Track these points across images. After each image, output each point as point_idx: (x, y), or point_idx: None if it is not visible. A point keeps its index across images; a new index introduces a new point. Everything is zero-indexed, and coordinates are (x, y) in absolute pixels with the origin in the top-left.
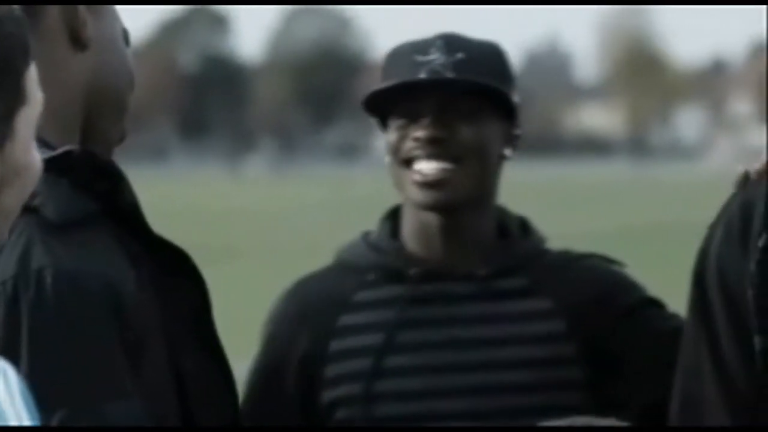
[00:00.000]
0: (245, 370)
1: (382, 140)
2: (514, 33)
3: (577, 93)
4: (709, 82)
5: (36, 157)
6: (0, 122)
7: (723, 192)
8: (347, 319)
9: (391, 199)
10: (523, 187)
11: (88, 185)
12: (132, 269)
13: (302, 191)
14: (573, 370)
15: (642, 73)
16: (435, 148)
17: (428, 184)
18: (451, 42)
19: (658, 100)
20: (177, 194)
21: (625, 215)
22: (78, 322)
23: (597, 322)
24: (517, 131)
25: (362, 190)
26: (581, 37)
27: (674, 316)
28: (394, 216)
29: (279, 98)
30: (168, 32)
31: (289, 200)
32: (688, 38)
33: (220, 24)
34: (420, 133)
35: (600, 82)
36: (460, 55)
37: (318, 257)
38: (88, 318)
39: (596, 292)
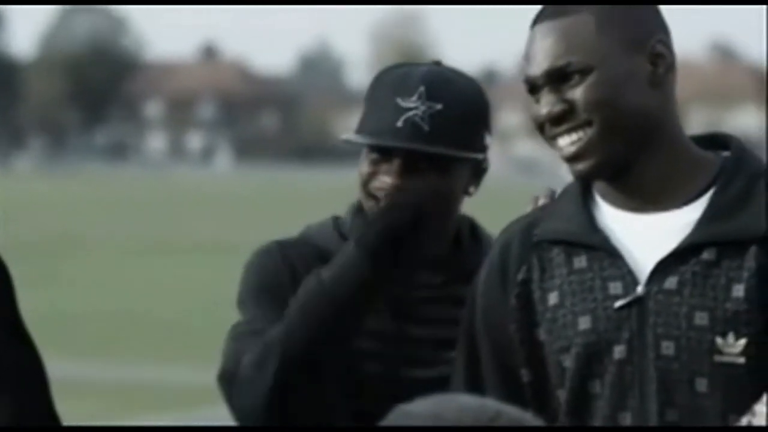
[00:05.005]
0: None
1: (152, 141)
2: (287, 36)
3: (349, 99)
4: None
5: None
6: None
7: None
8: None
9: (157, 198)
10: (296, 193)
11: None
12: None
13: (70, 189)
14: None
15: None
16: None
17: None
18: (432, 89)
19: None
20: None
21: None
22: None
23: None
24: (485, 165)
25: (130, 189)
26: (354, 42)
27: None
28: (360, 212)
29: (50, 96)
30: None
31: (56, 197)
32: (461, 48)
33: None
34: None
35: None
36: (438, 106)
37: (82, 250)
38: None
39: None
